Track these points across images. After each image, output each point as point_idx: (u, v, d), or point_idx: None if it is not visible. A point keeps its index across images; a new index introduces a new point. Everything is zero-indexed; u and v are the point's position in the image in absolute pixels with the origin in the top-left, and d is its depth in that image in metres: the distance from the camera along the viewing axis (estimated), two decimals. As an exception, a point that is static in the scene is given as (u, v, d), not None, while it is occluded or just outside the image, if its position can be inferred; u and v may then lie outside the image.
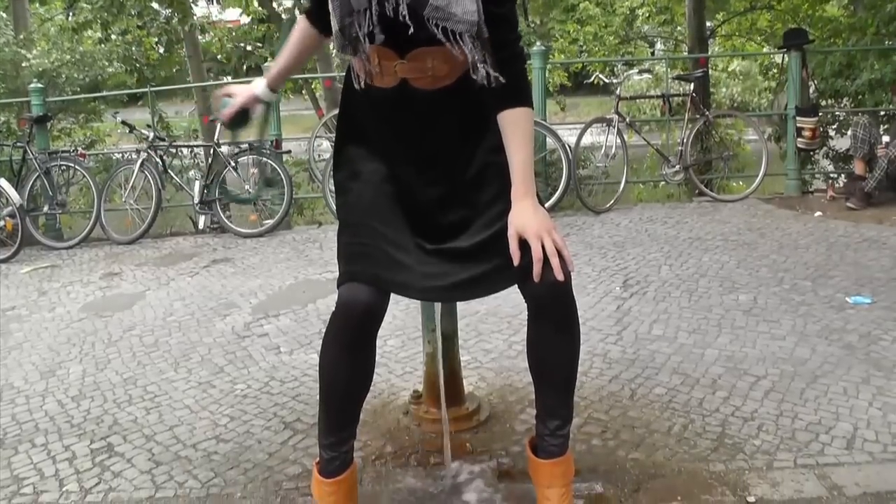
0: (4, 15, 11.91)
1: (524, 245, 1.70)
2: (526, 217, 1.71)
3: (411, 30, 1.65)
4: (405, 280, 1.76)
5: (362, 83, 1.82)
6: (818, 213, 5.71)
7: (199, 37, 12.25)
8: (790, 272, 4.20)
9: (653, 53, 19.23)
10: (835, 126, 7.97)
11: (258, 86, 2.11)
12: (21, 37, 10.23)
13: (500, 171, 1.77)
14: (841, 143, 7.79)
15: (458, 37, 1.66)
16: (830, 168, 8.09)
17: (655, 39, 17.58)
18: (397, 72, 1.76)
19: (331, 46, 2.55)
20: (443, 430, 2.20)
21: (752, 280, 4.09)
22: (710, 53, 12.74)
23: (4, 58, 9.64)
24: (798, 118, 6.51)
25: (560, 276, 1.68)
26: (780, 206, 6.05)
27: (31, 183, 6.43)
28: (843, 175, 7.21)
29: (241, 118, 2.13)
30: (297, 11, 12.42)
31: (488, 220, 1.79)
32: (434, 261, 1.78)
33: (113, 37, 11.83)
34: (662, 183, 7.37)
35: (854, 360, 2.96)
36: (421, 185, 1.84)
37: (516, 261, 1.70)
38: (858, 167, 6.01)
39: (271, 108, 2.28)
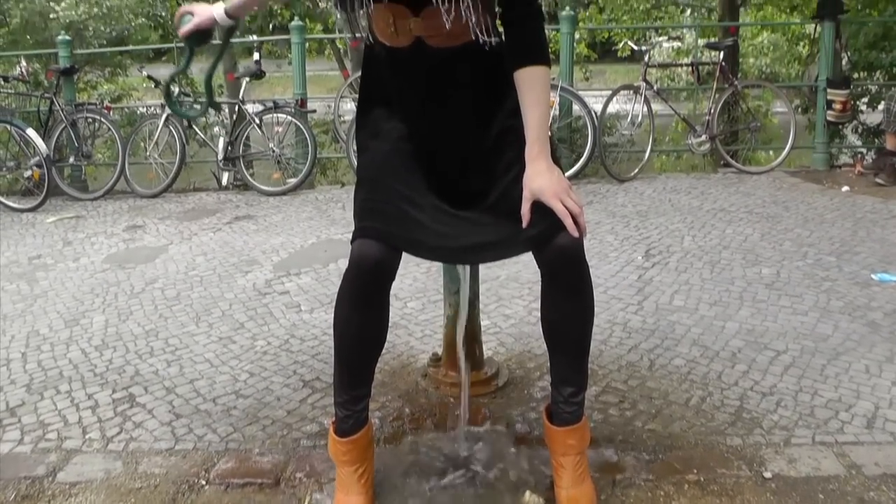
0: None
1: (538, 210, 1.69)
2: (542, 179, 1.70)
3: None
4: (418, 238, 1.75)
5: (368, 39, 1.81)
6: (845, 188, 5.63)
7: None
8: (814, 247, 4.15)
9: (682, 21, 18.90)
10: (866, 99, 7.81)
11: (217, 9, 2.10)
12: (50, -12, 10.22)
13: (518, 136, 1.76)
14: (872, 118, 7.65)
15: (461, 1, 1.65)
16: (859, 143, 7.95)
17: (686, 6, 17.25)
18: (412, 30, 1.75)
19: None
20: (461, 393, 2.21)
21: (776, 254, 4.06)
22: (740, 22, 12.49)
23: (33, 9, 9.64)
24: (829, 90, 6.39)
25: (575, 235, 1.68)
26: (807, 180, 5.98)
27: (57, 134, 6.47)
28: (872, 150, 7.09)
29: (199, 37, 2.14)
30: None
31: (504, 186, 1.77)
32: (449, 221, 1.77)
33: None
34: (687, 153, 7.28)
35: (878, 337, 2.93)
36: (441, 145, 1.83)
37: (526, 222, 1.70)
38: (890, 142, 5.90)
39: (232, 36, 2.31)
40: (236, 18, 2.13)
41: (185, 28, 2.10)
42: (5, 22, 9.87)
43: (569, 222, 1.67)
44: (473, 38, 1.71)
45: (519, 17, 1.71)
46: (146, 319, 3.41)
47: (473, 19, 1.68)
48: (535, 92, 1.73)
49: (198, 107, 6.67)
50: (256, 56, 6.64)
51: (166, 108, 6.39)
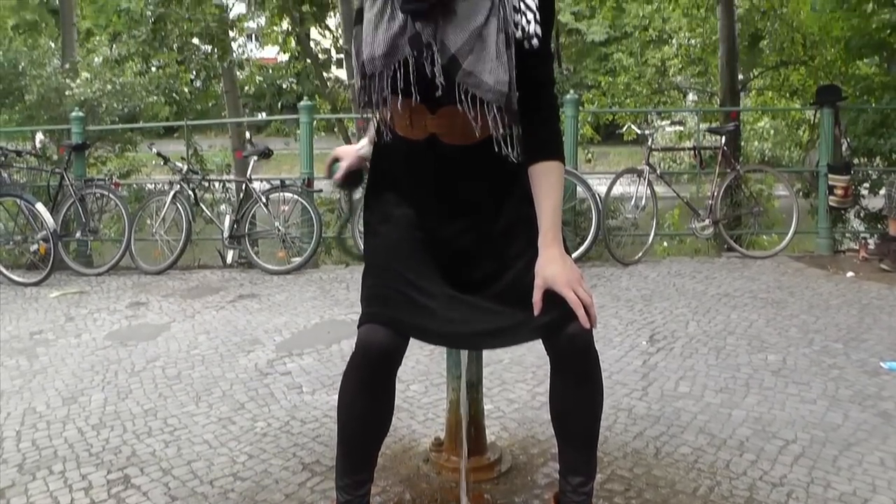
0: (53, 45, 12.23)
1: (549, 298, 1.69)
2: (554, 267, 1.70)
3: (439, 92, 1.66)
4: (425, 324, 1.75)
5: (388, 136, 1.83)
6: (850, 274, 5.63)
7: (237, 73, 12.47)
8: (821, 333, 4.12)
9: (685, 105, 19.27)
10: (867, 185, 7.88)
11: (363, 146, 2.13)
12: (66, 66, 10.47)
13: (529, 224, 1.77)
14: (873, 203, 7.70)
15: (485, 105, 1.67)
16: (862, 228, 7.99)
17: (688, 90, 17.61)
18: (427, 126, 1.78)
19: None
20: (461, 479, 2.16)
21: (782, 340, 4.03)
22: (741, 107, 12.73)
23: (50, 86, 9.87)
24: (830, 176, 6.46)
25: (586, 325, 1.67)
26: (811, 265, 5.98)
27: (65, 209, 6.53)
28: (875, 235, 7.11)
29: (353, 179, 2.16)
30: (332, 52, 12.67)
31: (515, 273, 1.78)
32: (458, 307, 1.77)
33: (153, 69, 12.09)
34: (691, 237, 7.31)
35: (890, 428, 2.87)
36: (450, 234, 1.84)
37: (537, 311, 1.70)
38: (893, 227, 5.93)
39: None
40: None
41: (339, 174, 2.13)
42: (22, 97, 10.08)
43: (581, 312, 1.67)
44: (495, 149, 1.73)
45: (538, 114, 1.75)
46: (145, 398, 3.37)
47: (500, 130, 1.71)
48: (549, 182, 1.76)
49: (223, 207, 6.81)
50: (248, 135, 6.77)
51: (174, 185, 6.46)
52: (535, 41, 1.71)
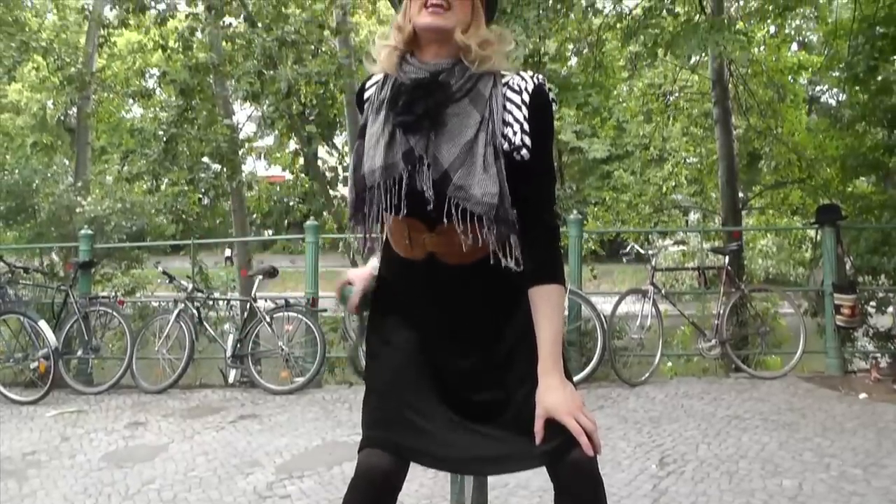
0: (68, 162, 12.54)
1: (552, 425, 1.65)
2: (554, 396, 1.67)
3: (430, 206, 1.67)
4: (427, 448, 1.71)
5: (386, 253, 1.83)
6: (863, 395, 5.52)
7: (246, 192, 12.70)
8: (837, 458, 4.00)
9: (686, 223, 19.52)
10: (874, 303, 7.85)
11: (374, 266, 2.07)
12: (79, 184, 10.70)
13: (531, 348, 1.74)
14: (882, 321, 7.64)
15: (475, 219, 1.67)
16: (872, 347, 7.90)
17: (690, 209, 17.88)
18: (426, 245, 1.77)
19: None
20: None
21: (796, 464, 3.91)
22: (743, 226, 12.87)
23: (61, 203, 10.06)
24: (836, 295, 6.43)
25: (590, 453, 1.63)
26: (822, 386, 5.87)
27: (69, 326, 6.52)
28: (887, 355, 7.03)
29: (366, 302, 2.13)
30: (339, 170, 12.93)
31: (517, 401, 1.74)
32: (460, 433, 1.73)
33: (162, 188, 12.33)
34: (698, 357, 7.23)
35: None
36: (451, 357, 1.81)
37: (539, 439, 1.66)
38: (905, 347, 5.85)
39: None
40: None
41: (353, 300, 2.05)
42: (34, 215, 10.26)
43: (583, 440, 1.62)
44: (492, 260, 1.72)
45: (538, 236, 1.74)
46: (138, 525, 3.26)
47: (492, 241, 1.70)
48: (549, 307, 1.73)
49: (227, 326, 6.83)
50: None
51: (178, 303, 6.46)
52: (524, 152, 1.71)
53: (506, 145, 1.71)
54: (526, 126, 1.72)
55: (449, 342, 1.81)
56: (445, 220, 1.69)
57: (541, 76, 1.79)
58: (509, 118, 1.72)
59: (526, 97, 1.73)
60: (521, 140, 1.71)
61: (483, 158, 1.68)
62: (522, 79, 1.75)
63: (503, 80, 1.75)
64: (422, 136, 1.70)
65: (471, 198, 1.66)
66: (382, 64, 1.79)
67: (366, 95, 1.86)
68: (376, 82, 1.84)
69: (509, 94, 1.73)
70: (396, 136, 1.72)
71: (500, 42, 1.76)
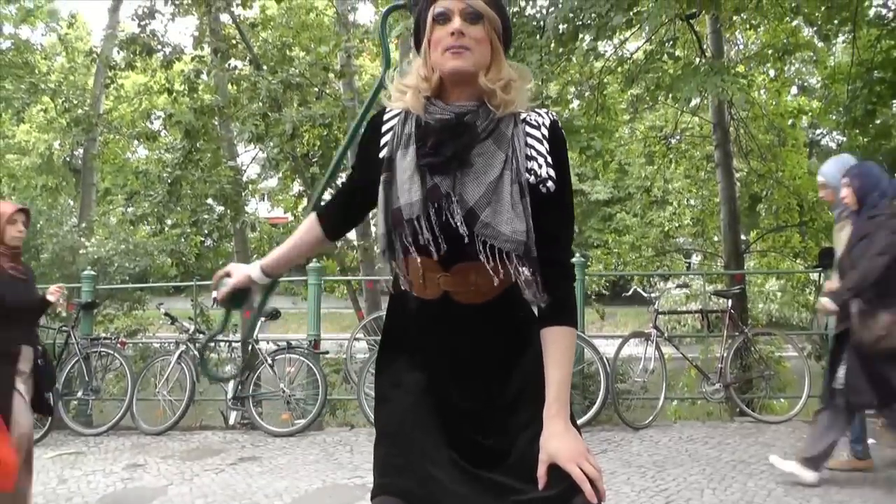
0: (71, 202, 12.59)
1: (555, 471, 1.64)
2: (558, 442, 1.66)
3: (466, 239, 1.67)
4: (438, 497, 1.69)
5: (401, 287, 1.82)
6: (871, 441, 5.44)
7: (249, 233, 12.73)
8: (845, 505, 3.95)
9: (688, 266, 19.50)
10: (879, 348, 7.79)
11: (253, 268, 2.09)
12: (83, 225, 10.74)
13: (537, 396, 1.73)
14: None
15: (503, 256, 1.67)
16: (877, 391, 7.82)
17: (692, 252, 17.87)
18: (440, 284, 1.77)
19: (375, 248, 2.59)
20: None
21: (804, 511, 3.86)
22: (746, 269, 12.85)
23: (65, 244, 10.08)
24: (841, 340, 6.39)
25: (593, 501, 1.61)
26: (828, 431, 5.80)
27: (69, 367, 6.49)
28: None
29: (237, 298, 2.10)
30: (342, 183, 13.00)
31: (521, 446, 1.73)
32: (467, 481, 1.71)
33: (166, 229, 12.37)
34: (702, 400, 7.17)
35: None
36: (460, 399, 1.80)
37: (542, 485, 1.64)
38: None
39: (271, 292, 2.29)
40: (274, 276, 2.12)
41: (223, 291, 2.07)
42: (37, 256, 10.27)
43: (587, 488, 1.60)
44: (508, 297, 1.72)
45: (554, 277, 1.74)
46: (136, 571, 3.21)
47: (521, 278, 1.70)
48: (559, 351, 1.73)
49: (229, 368, 6.81)
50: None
51: (180, 345, 6.45)
52: (550, 184, 1.73)
53: (532, 178, 1.72)
54: (549, 159, 1.74)
55: (457, 383, 1.80)
56: (478, 257, 1.69)
57: (553, 113, 1.81)
58: (532, 152, 1.74)
59: (545, 131, 1.76)
60: (547, 172, 1.73)
61: (510, 196, 1.69)
62: (539, 115, 1.78)
63: (521, 118, 1.77)
64: (448, 175, 1.72)
65: (499, 235, 1.67)
66: (409, 103, 1.78)
67: (384, 128, 1.84)
68: (396, 115, 1.82)
69: (529, 129, 1.76)
70: (424, 175, 1.73)
71: (522, 79, 1.78)
